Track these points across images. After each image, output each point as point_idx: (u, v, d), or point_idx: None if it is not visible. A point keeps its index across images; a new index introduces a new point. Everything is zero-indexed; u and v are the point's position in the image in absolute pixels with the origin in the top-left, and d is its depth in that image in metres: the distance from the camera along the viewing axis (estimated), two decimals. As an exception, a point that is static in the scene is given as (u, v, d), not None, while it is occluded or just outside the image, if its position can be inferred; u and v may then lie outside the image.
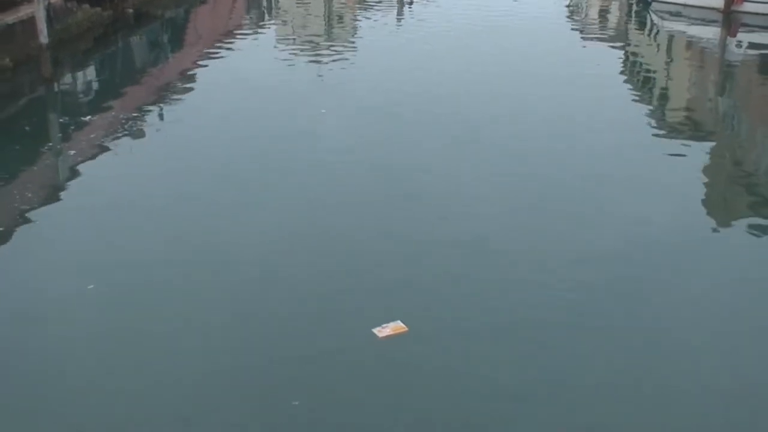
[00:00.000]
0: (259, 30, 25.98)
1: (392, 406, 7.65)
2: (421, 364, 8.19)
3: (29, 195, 12.35)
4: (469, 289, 9.61)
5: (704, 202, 12.68)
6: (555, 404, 7.84)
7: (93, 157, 14.02)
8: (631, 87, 19.56)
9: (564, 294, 9.62)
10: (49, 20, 19.97)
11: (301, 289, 9.57)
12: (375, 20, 26.52)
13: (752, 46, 23.40)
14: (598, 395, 8.02)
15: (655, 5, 27.77)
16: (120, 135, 15.07)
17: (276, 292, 9.54)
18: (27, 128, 15.62)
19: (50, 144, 15.20)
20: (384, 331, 8.34)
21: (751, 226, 11.85)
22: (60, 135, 15.60)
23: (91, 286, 9.63)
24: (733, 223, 12.21)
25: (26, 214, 11.71)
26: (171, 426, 7.54)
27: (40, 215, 11.74)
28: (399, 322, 8.53)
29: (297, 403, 7.67)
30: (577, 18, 28.71)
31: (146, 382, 8.05)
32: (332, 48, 22.74)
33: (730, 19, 25.39)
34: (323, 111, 16.64)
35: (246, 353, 8.43)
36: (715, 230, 11.77)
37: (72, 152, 14.33)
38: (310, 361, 8.23)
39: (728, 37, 24.19)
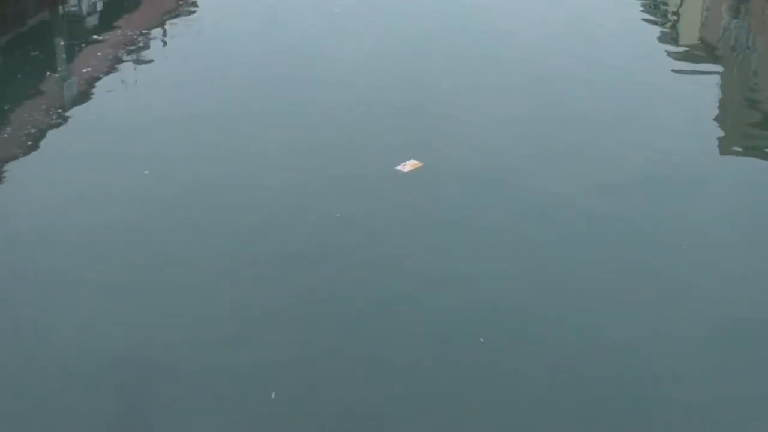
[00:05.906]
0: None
1: (416, 218, 9.64)
2: (436, 190, 10.26)
3: (51, 113, 12.41)
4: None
5: (717, 127, 12.49)
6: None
7: (106, 73, 14.11)
8: (644, 10, 19.35)
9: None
10: (52, -60, 19.58)
11: (337, 148, 11.35)
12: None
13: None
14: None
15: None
16: (130, 53, 15.08)
17: (315, 152, 11.17)
18: (35, 52, 15.34)
19: (60, 64, 15.05)
20: (405, 167, 10.54)
21: (763, 152, 11.77)
22: (68, 55, 15.41)
23: (147, 172, 10.44)
24: (744, 148, 12.12)
25: (50, 128, 11.93)
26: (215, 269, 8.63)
27: (63, 129, 12.01)
28: (413, 160, 10.72)
29: (339, 214, 9.48)
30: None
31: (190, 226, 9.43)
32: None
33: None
34: (336, 10, 17.19)
35: (287, 194, 10.10)
36: (725, 154, 11.68)
37: (85, 70, 14.25)
38: (352, 190, 10.19)
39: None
